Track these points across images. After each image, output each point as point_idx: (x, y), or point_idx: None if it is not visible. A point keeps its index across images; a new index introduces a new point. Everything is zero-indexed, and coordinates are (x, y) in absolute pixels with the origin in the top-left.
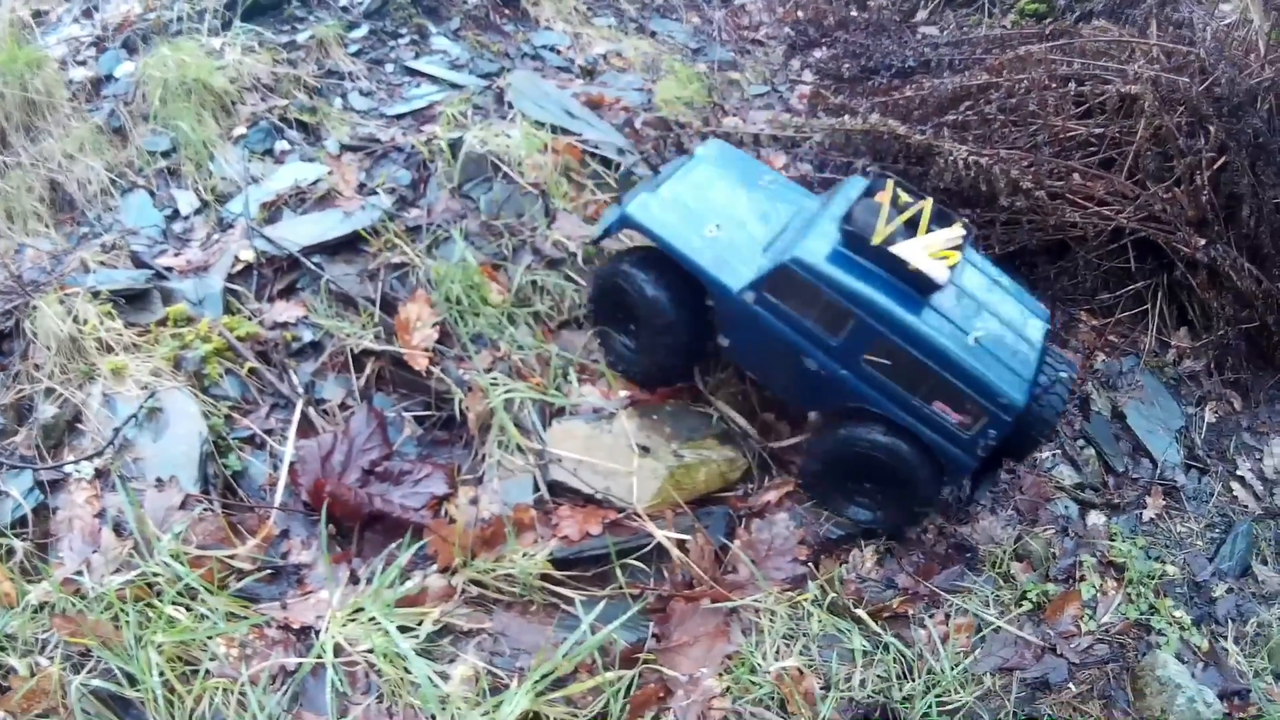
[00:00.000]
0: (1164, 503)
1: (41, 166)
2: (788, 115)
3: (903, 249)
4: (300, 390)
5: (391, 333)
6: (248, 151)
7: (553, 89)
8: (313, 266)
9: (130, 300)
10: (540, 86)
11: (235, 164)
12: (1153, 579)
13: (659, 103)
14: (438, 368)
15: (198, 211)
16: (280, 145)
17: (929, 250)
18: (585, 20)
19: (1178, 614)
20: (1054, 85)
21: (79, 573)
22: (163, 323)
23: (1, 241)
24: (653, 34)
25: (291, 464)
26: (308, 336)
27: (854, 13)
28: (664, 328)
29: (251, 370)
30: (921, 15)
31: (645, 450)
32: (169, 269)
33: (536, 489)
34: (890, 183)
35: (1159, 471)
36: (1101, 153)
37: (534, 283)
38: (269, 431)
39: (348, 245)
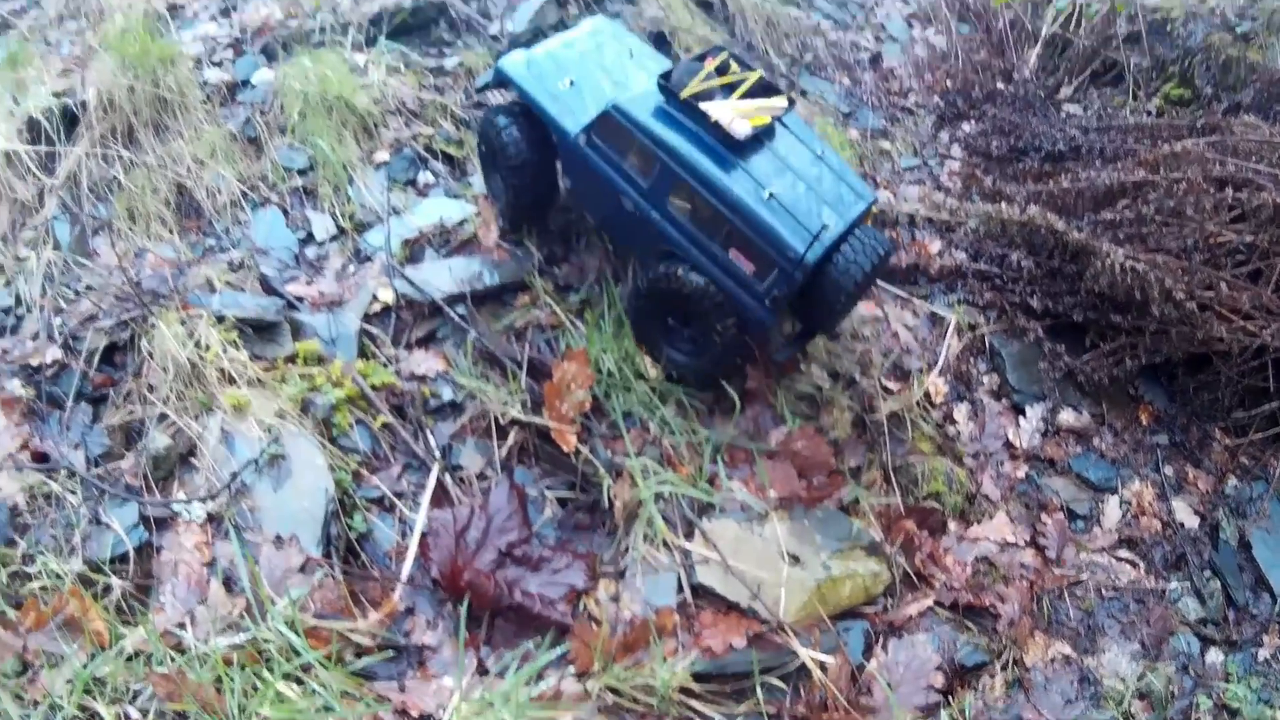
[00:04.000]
0: (1279, 642)
1: (169, 168)
2: (941, 195)
3: (710, 106)
4: (437, 453)
5: (538, 400)
6: (389, 180)
7: None
8: (456, 318)
9: (257, 330)
10: None
11: (376, 191)
12: None
13: None
14: (585, 446)
15: (333, 238)
16: (424, 177)
17: (738, 111)
18: None
19: None
20: (1209, 188)
21: (181, 625)
22: (291, 359)
23: (121, 243)
24: (803, 93)
25: (423, 535)
26: (447, 395)
27: (1000, 85)
28: (519, 166)
29: (385, 425)
30: (1066, 91)
31: (795, 560)
32: (300, 299)
33: (680, 590)
34: (724, 53)
35: (1277, 608)
36: (1251, 263)
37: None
38: (399, 494)
39: (493, 297)
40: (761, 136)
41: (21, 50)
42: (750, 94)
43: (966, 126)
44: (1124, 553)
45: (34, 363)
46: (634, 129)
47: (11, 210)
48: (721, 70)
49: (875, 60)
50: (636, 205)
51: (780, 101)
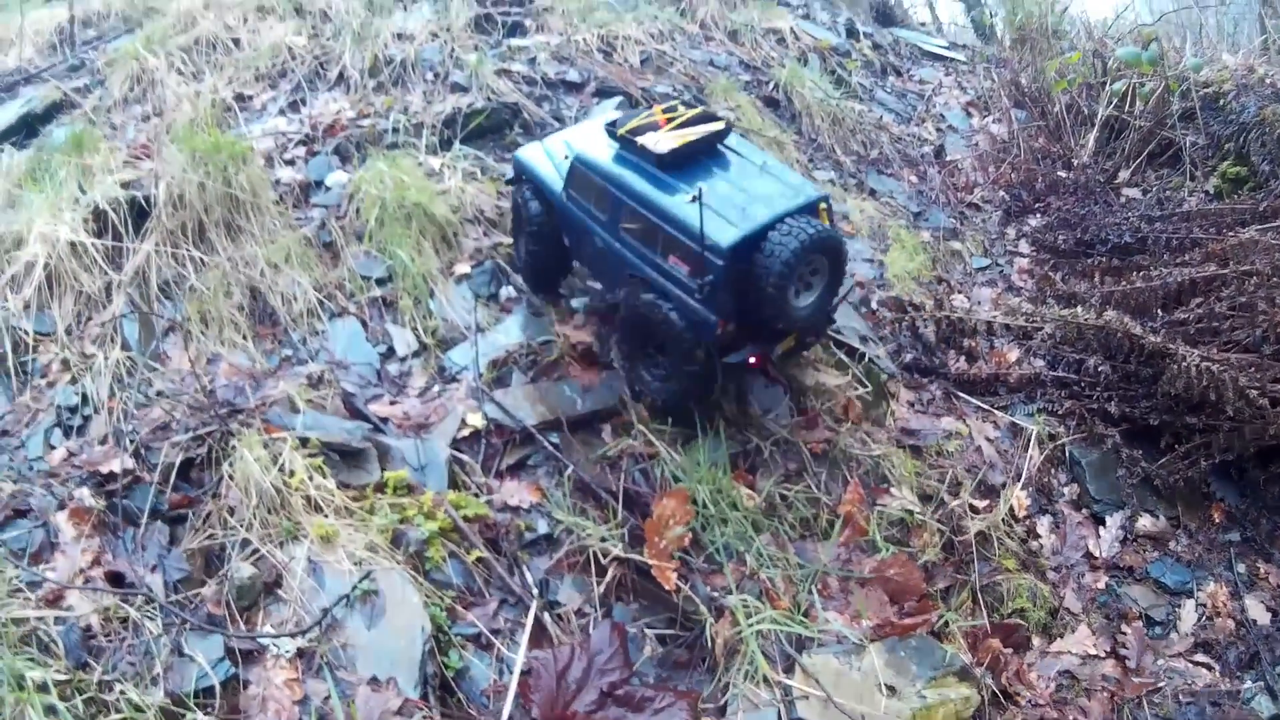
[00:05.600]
0: None
1: (242, 271)
2: (1015, 299)
3: (645, 137)
4: (534, 590)
5: (635, 532)
6: (473, 295)
7: None
8: (549, 447)
9: (343, 455)
10: None
11: (458, 306)
12: None
13: (891, 277)
14: (685, 583)
15: (415, 354)
16: (506, 292)
17: (673, 138)
18: (807, 174)
19: None
20: (1279, 279)
21: None
22: (380, 488)
23: (193, 346)
24: (872, 192)
25: (523, 674)
26: (543, 528)
27: (1061, 173)
28: (536, 233)
29: (479, 559)
30: (1124, 175)
31: (892, 690)
32: (385, 420)
33: None
34: (674, 100)
35: None
36: None
37: (783, 496)
38: (496, 631)
39: (584, 424)
40: (702, 156)
41: (87, 135)
42: (690, 124)
43: (1033, 220)
44: (1200, 656)
45: (104, 470)
46: (591, 172)
47: (77, 303)
48: (669, 112)
49: (939, 153)
50: (604, 241)
51: (716, 125)
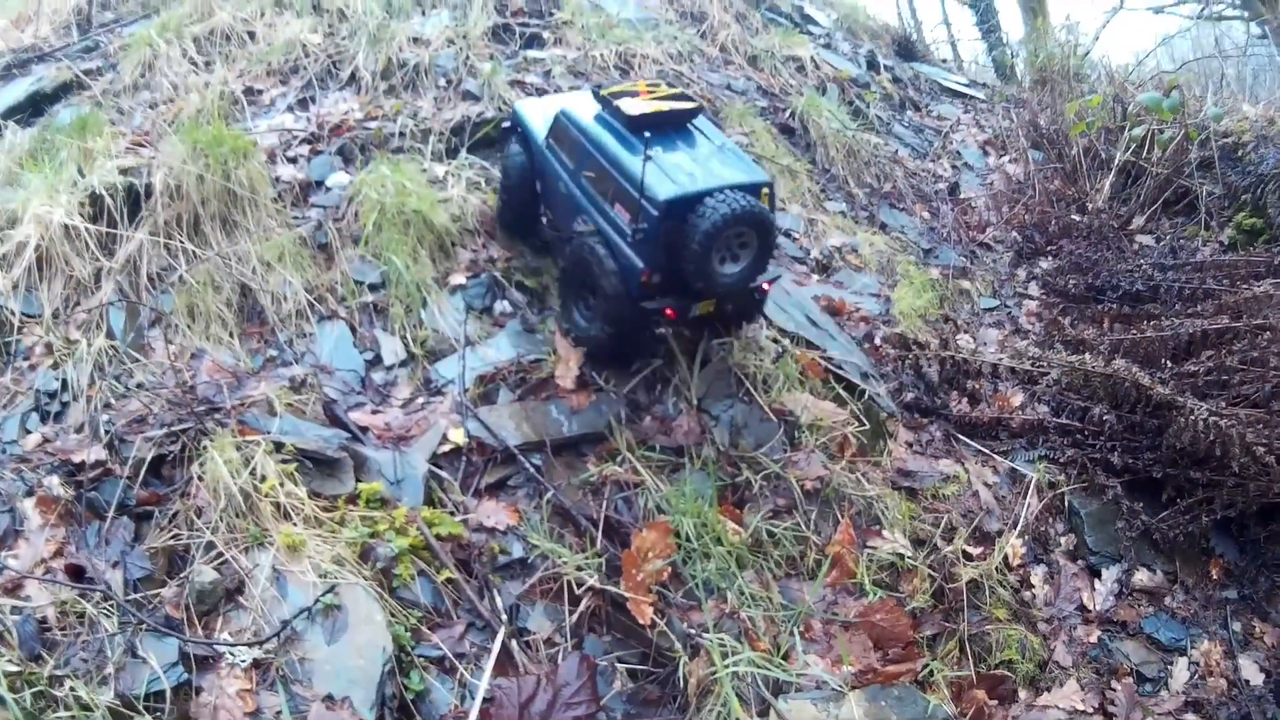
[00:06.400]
0: None
1: (234, 267)
2: (1022, 342)
3: (623, 100)
4: (503, 615)
5: (612, 561)
6: (466, 307)
7: (792, 289)
8: (531, 469)
9: (318, 463)
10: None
11: (450, 318)
12: None
13: (897, 314)
14: (661, 618)
15: (402, 363)
16: (500, 306)
17: (646, 105)
18: (818, 204)
19: None
20: None
21: None
22: (353, 499)
23: (177, 340)
24: (883, 226)
25: (485, 704)
26: (517, 551)
27: (1075, 216)
28: (516, 179)
29: (449, 579)
30: (1138, 221)
31: None
32: (365, 429)
33: None
34: (660, 80)
35: None
36: None
37: (770, 533)
38: (460, 655)
39: (570, 447)
40: (670, 129)
41: (93, 118)
42: (667, 100)
43: (1044, 263)
44: (1190, 716)
45: (76, 459)
46: (570, 124)
47: (66, 287)
48: (652, 87)
49: (953, 190)
50: (567, 187)
51: (689, 104)
